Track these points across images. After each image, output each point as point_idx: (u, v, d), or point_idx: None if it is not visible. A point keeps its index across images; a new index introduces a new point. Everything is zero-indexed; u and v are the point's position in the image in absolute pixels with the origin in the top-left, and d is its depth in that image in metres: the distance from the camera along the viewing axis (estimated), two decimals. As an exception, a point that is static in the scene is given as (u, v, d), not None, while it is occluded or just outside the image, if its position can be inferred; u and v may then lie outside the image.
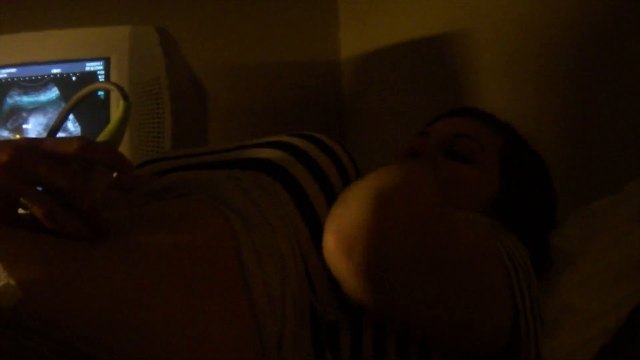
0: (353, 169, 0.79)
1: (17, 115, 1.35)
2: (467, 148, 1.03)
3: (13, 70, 1.35)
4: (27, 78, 1.35)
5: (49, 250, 0.57)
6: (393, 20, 1.91)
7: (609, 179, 1.21)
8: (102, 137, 0.71)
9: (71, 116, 1.34)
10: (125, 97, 0.73)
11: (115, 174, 0.71)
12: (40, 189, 0.61)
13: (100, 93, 1.34)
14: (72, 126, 1.34)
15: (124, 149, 1.30)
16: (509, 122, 1.13)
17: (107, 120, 1.31)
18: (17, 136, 1.33)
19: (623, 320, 0.95)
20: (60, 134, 0.79)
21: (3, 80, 1.35)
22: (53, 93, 1.34)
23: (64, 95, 1.35)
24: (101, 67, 1.34)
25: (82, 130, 1.34)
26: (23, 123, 1.35)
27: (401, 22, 1.88)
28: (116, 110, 1.27)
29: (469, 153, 1.02)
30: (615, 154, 1.25)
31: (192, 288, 0.60)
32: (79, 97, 0.78)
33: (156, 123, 1.33)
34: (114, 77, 1.32)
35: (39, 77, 1.35)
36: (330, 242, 0.66)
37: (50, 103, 1.34)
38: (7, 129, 1.35)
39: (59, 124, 0.78)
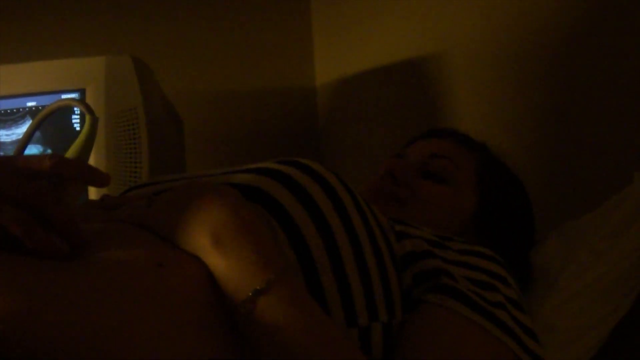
0: (345, 191, 0.76)
1: (-4, 149, 1.34)
2: (443, 168, 1.04)
3: (-11, 104, 1.34)
4: (2, 111, 1.34)
5: (28, 275, 0.55)
6: (367, 46, 1.93)
7: (587, 197, 1.23)
8: (70, 153, 0.70)
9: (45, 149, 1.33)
10: (90, 112, 0.73)
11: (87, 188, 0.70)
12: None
13: (77, 125, 1.33)
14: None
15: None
16: (484, 141, 1.15)
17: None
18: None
19: (604, 338, 0.97)
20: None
21: (-21, 114, 1.34)
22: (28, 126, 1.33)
23: (40, 128, 1.33)
24: (77, 99, 1.33)
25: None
26: (2, 156, 1.33)
27: (375, 47, 1.90)
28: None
29: (444, 173, 1.04)
30: (593, 172, 1.28)
31: (179, 313, 0.59)
32: (43, 115, 0.78)
33: (133, 152, 1.32)
34: (89, 108, 1.32)
35: (15, 110, 1.34)
36: None
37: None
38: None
39: (24, 144, 0.77)
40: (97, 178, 0.64)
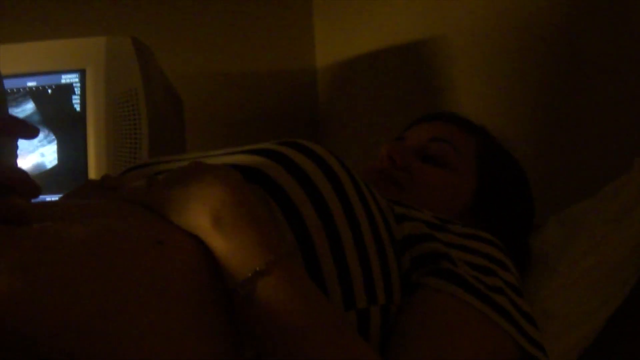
0: (345, 173, 0.76)
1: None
2: (442, 151, 1.04)
3: (-12, 83, 1.34)
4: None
5: (20, 251, 0.53)
6: (368, 28, 1.92)
7: (587, 182, 1.22)
8: None
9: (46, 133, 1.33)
10: None
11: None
12: None
13: (77, 106, 1.33)
14: (47, 141, 1.33)
15: (103, 159, 1.30)
16: (483, 125, 1.14)
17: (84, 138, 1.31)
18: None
19: (602, 326, 0.97)
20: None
21: (-22, 94, 1.35)
22: (29, 106, 1.33)
23: (40, 109, 1.34)
24: (77, 79, 1.33)
25: (59, 147, 1.33)
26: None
27: (376, 29, 1.89)
28: (92, 122, 1.26)
29: (444, 156, 1.04)
30: (593, 157, 1.28)
31: (178, 292, 0.59)
32: None
33: (133, 133, 1.33)
34: (90, 89, 1.32)
35: (15, 90, 1.34)
36: None
37: (27, 117, 1.33)
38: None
39: None
40: (26, 130, 0.63)
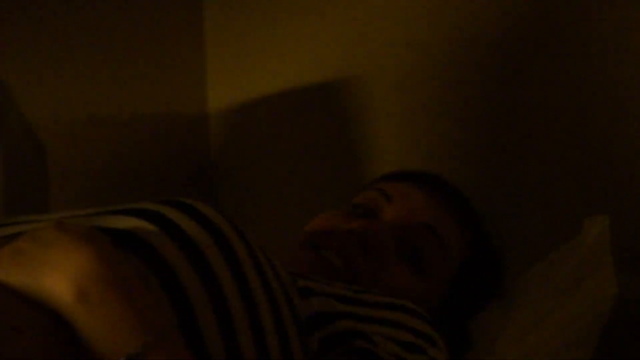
0: (239, 240, 0.72)
1: None
2: (431, 254, 0.98)
3: None
4: None
5: None
6: (267, 69, 1.90)
7: (529, 247, 1.20)
8: None
9: None
10: None
11: None
12: None
13: None
14: None
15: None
16: (480, 217, 1.08)
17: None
18: None
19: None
20: None
21: None
22: None
23: None
24: None
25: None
26: None
27: (275, 71, 1.87)
28: None
29: (428, 261, 0.98)
30: (534, 216, 1.25)
31: None
32: None
33: (-14, 186, 1.26)
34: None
35: None
36: None
37: None
38: None
39: None
40: None
